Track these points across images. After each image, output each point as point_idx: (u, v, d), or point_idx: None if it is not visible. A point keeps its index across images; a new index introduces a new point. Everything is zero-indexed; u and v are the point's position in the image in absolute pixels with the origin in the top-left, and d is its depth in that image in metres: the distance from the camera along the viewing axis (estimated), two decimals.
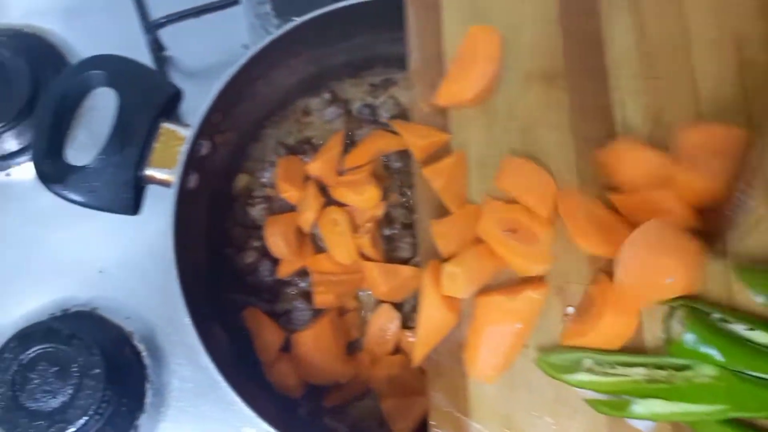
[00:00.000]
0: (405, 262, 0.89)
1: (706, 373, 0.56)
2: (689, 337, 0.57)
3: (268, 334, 0.86)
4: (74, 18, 1.11)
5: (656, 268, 0.57)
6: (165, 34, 1.06)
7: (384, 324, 0.87)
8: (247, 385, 0.79)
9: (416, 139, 0.79)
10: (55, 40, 1.10)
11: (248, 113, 0.87)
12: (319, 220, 0.88)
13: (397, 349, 0.87)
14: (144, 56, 1.05)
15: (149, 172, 0.74)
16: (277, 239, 0.86)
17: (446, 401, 0.64)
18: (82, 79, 0.73)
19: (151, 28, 1.01)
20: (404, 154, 0.93)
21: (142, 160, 0.73)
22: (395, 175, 0.94)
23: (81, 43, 1.10)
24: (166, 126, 0.75)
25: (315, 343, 0.85)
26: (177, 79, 1.07)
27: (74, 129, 0.97)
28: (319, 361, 0.84)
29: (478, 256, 0.70)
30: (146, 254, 1.00)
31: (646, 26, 0.70)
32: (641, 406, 0.57)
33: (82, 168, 0.72)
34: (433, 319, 0.71)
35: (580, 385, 0.59)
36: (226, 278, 0.87)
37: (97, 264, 1.01)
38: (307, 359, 0.84)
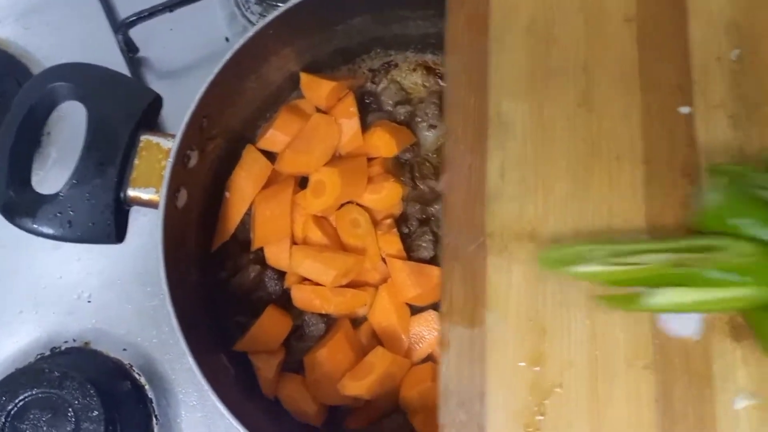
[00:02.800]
0: (427, 262, 0.81)
1: (741, 251, 0.48)
2: (727, 206, 0.51)
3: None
4: (34, 22, 1.01)
5: None
6: (137, 34, 0.96)
7: (421, 331, 0.79)
8: (259, 417, 0.71)
9: None
10: (14, 49, 0.99)
11: (238, 114, 0.77)
12: (337, 222, 0.81)
13: (428, 357, 0.80)
14: (116, 60, 0.96)
15: (132, 193, 0.65)
16: (274, 249, 0.79)
17: (461, 290, 0.56)
18: (45, 94, 0.64)
19: (121, 27, 0.92)
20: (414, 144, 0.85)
21: (122, 181, 0.64)
22: (405, 166, 0.86)
23: (43, 50, 0.99)
24: (148, 138, 0.66)
25: (331, 361, 0.77)
26: (154, 83, 0.97)
27: (41, 151, 0.89)
28: (338, 380, 0.76)
29: None
30: (136, 277, 0.92)
31: None
32: (661, 297, 0.51)
33: (54, 196, 0.63)
34: None
35: (589, 277, 0.53)
36: (227, 300, 0.78)
37: (85, 293, 0.92)
38: (325, 379, 0.76)
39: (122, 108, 0.64)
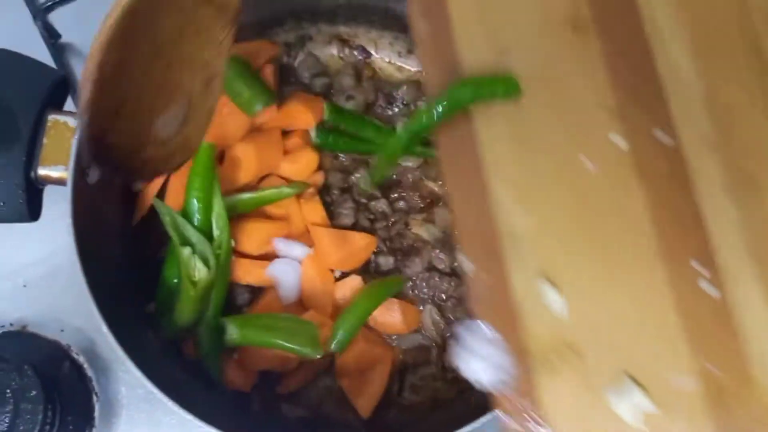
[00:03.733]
0: (348, 228, 0.84)
1: None
2: None
3: None
4: None
5: None
6: (60, 19, 0.96)
7: (346, 294, 0.82)
8: (188, 387, 0.73)
9: None
10: None
11: None
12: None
13: None
14: (39, 47, 0.96)
15: (42, 171, 0.66)
16: None
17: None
18: None
19: (39, 12, 0.92)
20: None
21: (30, 160, 0.66)
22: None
23: None
24: (55, 117, 0.67)
25: None
26: (79, 68, 0.97)
27: None
28: None
29: None
30: (69, 260, 0.91)
31: None
32: None
33: None
34: None
35: None
36: (152, 275, 0.80)
37: (19, 279, 0.93)
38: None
39: (25, 88, 0.66)
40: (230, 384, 0.78)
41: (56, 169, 0.66)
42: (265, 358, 0.78)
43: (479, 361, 0.53)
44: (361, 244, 0.83)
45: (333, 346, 0.77)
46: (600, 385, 0.52)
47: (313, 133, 0.84)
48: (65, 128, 0.67)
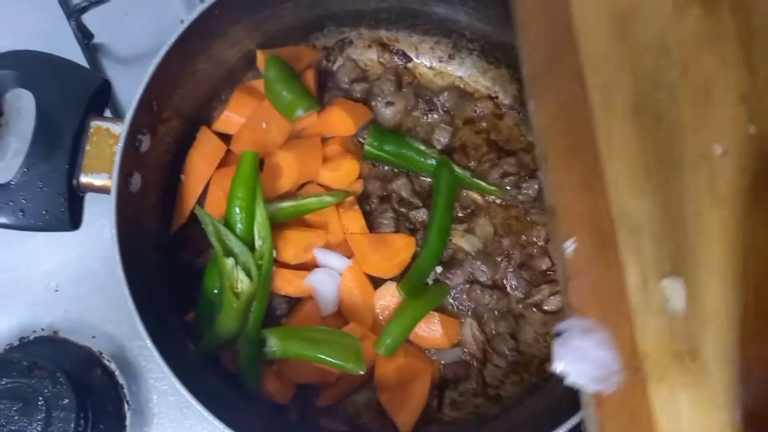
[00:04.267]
0: None
1: None
2: None
3: None
4: None
5: None
6: (92, 20, 0.95)
7: (386, 303, 0.80)
8: (225, 398, 0.72)
9: None
10: None
11: (190, 96, 0.77)
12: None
13: None
14: (71, 48, 0.94)
15: (84, 179, 0.65)
16: None
17: None
18: None
19: (73, 13, 0.90)
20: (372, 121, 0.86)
21: (73, 167, 0.64)
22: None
23: None
24: (97, 124, 0.66)
25: None
26: (111, 69, 0.96)
27: (0, 142, 0.87)
28: None
29: None
30: (101, 264, 0.91)
31: None
32: None
33: (5, 185, 0.63)
34: None
35: None
36: (191, 282, 0.78)
37: (51, 283, 0.91)
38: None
39: (69, 94, 0.64)
40: (268, 396, 0.76)
41: (99, 177, 0.65)
42: (305, 372, 0.76)
43: (581, 360, 0.48)
44: (400, 245, 0.81)
45: (382, 350, 0.75)
46: (720, 395, 0.47)
47: (366, 139, 0.83)
48: (108, 135, 0.66)
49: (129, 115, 0.64)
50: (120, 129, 0.64)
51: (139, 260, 0.69)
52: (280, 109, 0.78)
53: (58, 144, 0.63)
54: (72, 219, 0.64)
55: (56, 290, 0.92)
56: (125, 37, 0.98)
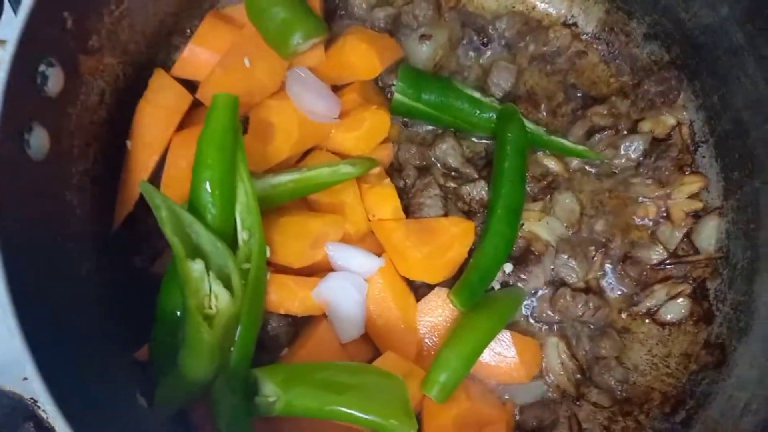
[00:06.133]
0: None
1: None
2: None
3: None
4: None
5: None
6: None
7: (434, 320, 0.58)
8: None
9: None
10: None
11: (139, 25, 0.55)
12: None
13: None
14: None
15: None
16: None
17: None
18: None
19: None
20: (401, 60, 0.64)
21: None
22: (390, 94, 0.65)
23: None
24: None
25: None
26: None
27: None
28: None
29: None
30: None
31: None
32: None
33: None
34: None
35: None
36: (142, 303, 0.53)
37: None
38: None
39: None
40: None
41: None
42: None
43: None
44: (451, 234, 0.59)
45: (433, 393, 0.53)
46: None
47: (396, 84, 0.61)
48: None
49: (18, 25, 0.38)
50: (3, 51, 0.39)
51: (54, 271, 0.44)
52: (270, 39, 0.55)
53: None
54: None
55: None
56: None
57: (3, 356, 0.69)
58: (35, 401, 0.68)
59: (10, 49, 0.41)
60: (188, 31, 0.61)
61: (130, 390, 0.51)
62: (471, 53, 0.66)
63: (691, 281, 0.60)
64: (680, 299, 0.60)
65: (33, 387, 0.66)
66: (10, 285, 0.40)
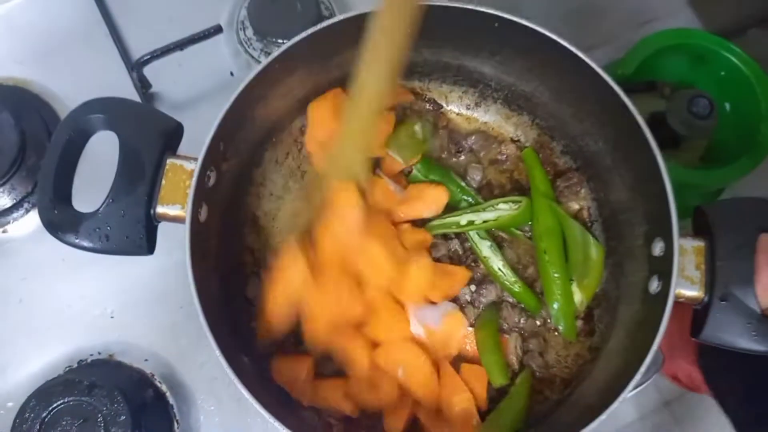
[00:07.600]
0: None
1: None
2: None
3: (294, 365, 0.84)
4: (54, 64, 1.09)
5: None
6: (148, 70, 1.05)
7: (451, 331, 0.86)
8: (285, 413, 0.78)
9: None
10: (37, 89, 1.07)
11: (247, 138, 0.86)
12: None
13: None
14: (130, 95, 1.04)
15: (160, 209, 0.73)
16: None
17: None
18: (82, 124, 0.72)
19: (135, 66, 1.00)
20: None
21: (151, 199, 0.72)
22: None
23: (64, 89, 1.08)
24: (172, 161, 0.74)
25: None
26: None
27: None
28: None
29: None
30: (153, 293, 0.99)
31: None
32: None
33: (93, 214, 0.71)
34: None
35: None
36: (241, 306, 0.86)
37: (107, 309, 0.99)
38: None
39: (149, 135, 0.73)
40: (336, 413, 0.82)
41: (173, 207, 0.73)
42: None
43: None
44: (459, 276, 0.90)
45: None
46: None
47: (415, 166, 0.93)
48: (181, 171, 0.74)
49: (202, 153, 0.73)
50: (193, 165, 0.73)
51: (203, 284, 0.76)
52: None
53: (139, 178, 0.71)
54: (149, 245, 0.72)
55: (111, 317, 0.99)
56: (178, 86, 1.08)
57: (130, 344, 1.00)
58: (153, 375, 0.96)
59: (197, 164, 0.76)
60: (273, 139, 0.91)
61: (239, 355, 0.85)
62: (450, 157, 0.95)
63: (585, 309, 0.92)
64: (578, 321, 0.90)
65: (151, 365, 0.98)
66: (198, 293, 0.70)
